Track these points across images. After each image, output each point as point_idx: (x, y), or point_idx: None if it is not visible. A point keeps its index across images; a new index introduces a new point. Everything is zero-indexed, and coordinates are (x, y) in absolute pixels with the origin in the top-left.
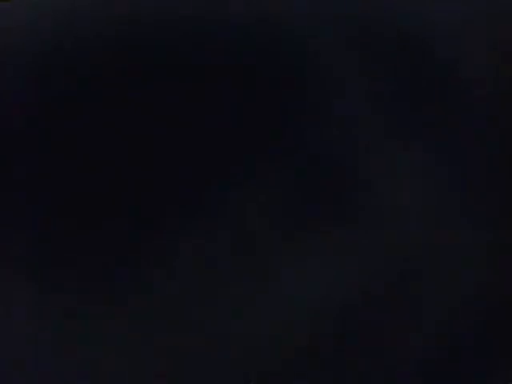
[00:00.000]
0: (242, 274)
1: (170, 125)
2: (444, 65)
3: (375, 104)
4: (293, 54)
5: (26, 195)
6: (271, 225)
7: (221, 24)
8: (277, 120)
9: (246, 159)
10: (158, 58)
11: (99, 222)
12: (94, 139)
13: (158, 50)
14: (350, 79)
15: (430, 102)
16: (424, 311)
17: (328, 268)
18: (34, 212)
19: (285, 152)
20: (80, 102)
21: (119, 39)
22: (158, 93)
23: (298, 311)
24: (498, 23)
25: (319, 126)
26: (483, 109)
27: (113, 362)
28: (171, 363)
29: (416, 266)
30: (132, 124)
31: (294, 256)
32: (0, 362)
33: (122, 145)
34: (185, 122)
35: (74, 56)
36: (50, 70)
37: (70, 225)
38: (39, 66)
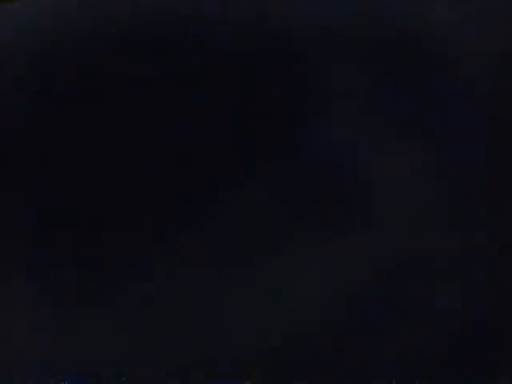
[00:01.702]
0: (241, 273)
1: (169, 125)
2: (444, 65)
3: (375, 104)
4: (293, 54)
5: (26, 195)
6: (271, 225)
7: (221, 24)
8: (277, 120)
9: (246, 159)
10: (158, 58)
11: (99, 221)
12: (93, 139)
13: (158, 50)
14: (350, 79)
15: (430, 102)
16: (424, 311)
17: (328, 268)
18: (33, 212)
19: (285, 152)
20: (80, 102)
21: (119, 39)
22: (158, 93)
23: (297, 311)
24: (498, 23)
25: (319, 126)
26: (483, 109)
27: (112, 362)
28: (171, 363)
29: (416, 266)
30: (132, 124)
31: (294, 256)
32: (0, 361)
33: (122, 145)
34: (185, 121)
35: (74, 56)
36: (50, 70)
37: (69, 225)
38: (39, 65)
